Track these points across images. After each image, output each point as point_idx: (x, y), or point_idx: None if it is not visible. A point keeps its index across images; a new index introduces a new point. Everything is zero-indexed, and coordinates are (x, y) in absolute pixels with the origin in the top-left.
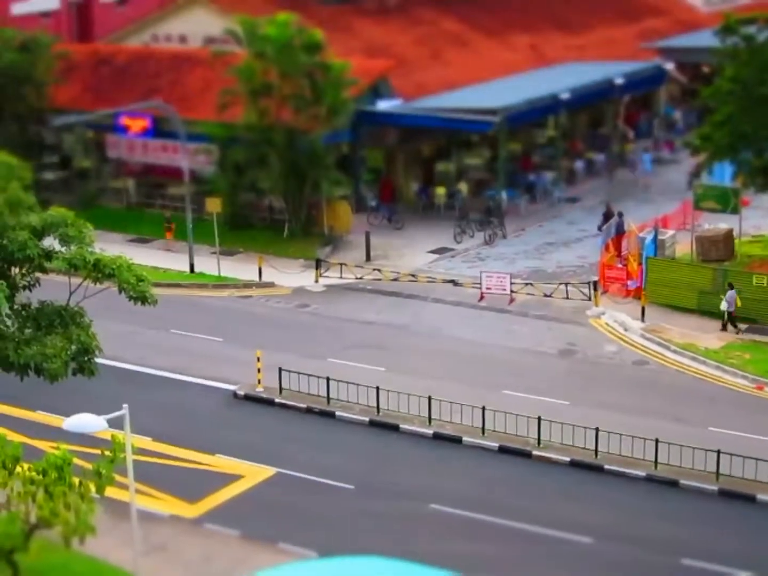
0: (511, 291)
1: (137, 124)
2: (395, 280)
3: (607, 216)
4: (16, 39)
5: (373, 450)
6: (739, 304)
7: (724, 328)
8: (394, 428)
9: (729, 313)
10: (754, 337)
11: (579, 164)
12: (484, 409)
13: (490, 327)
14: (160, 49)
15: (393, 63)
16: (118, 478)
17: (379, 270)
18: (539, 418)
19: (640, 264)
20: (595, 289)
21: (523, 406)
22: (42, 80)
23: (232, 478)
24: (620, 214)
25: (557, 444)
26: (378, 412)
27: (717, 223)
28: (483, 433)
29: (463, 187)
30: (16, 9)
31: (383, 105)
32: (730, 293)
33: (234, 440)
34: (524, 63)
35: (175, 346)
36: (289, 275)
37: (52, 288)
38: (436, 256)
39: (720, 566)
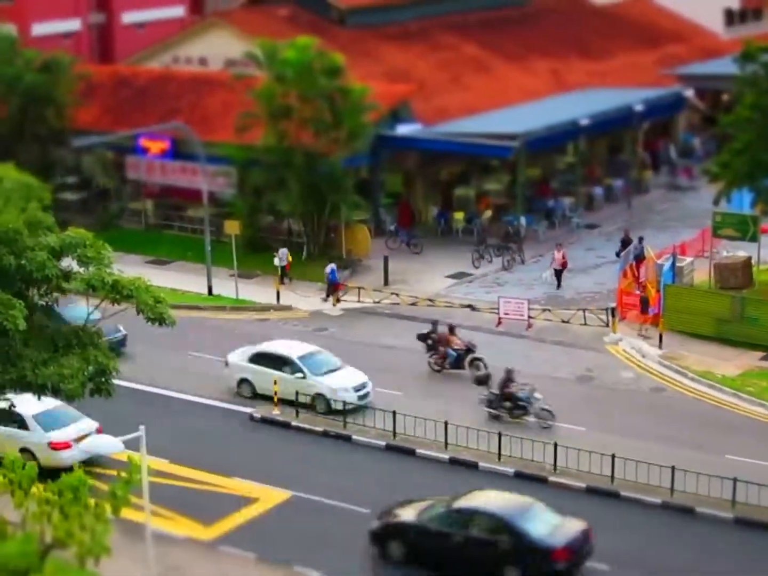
0: (529, 317)
1: (157, 146)
2: (413, 304)
3: (625, 242)
4: (37, 60)
5: (389, 474)
6: (290, 259)
7: (281, 282)
8: (411, 453)
9: (282, 268)
10: None
11: (598, 190)
12: (500, 434)
13: (507, 352)
14: (181, 71)
15: (413, 87)
16: (133, 499)
17: (397, 294)
18: (555, 444)
19: (658, 291)
20: (613, 316)
21: (539, 432)
22: (62, 101)
23: (247, 501)
24: (640, 240)
25: (573, 470)
26: (394, 436)
27: (735, 251)
28: (499, 458)
29: (487, 213)
30: (37, 30)
31: (403, 129)
32: (282, 250)
33: (250, 463)
34: (544, 88)
35: (192, 368)
36: (307, 298)
37: None
38: (454, 280)
39: None
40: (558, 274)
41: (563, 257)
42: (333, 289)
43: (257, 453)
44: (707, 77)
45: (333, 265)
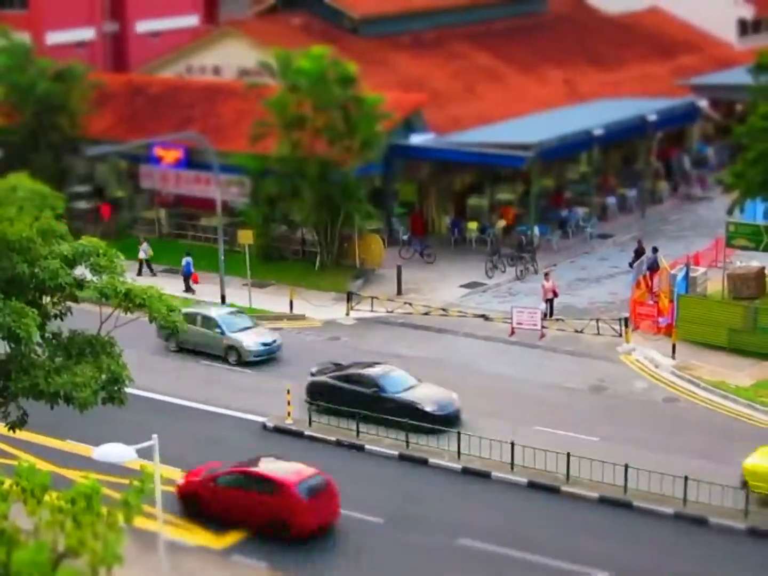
0: (542, 326)
1: (170, 155)
2: (426, 314)
3: (639, 253)
4: (51, 69)
5: (402, 484)
6: (151, 253)
7: (139, 273)
8: (424, 462)
9: (146, 260)
10: None
11: (611, 200)
12: (513, 444)
13: (520, 362)
14: (194, 81)
15: (427, 97)
16: (146, 508)
17: (410, 304)
18: (568, 454)
19: (671, 301)
20: (626, 326)
21: (552, 442)
22: (76, 110)
23: None
24: (654, 250)
25: (586, 480)
26: (407, 446)
27: (749, 261)
28: (512, 468)
29: (500, 223)
30: (52, 39)
31: (416, 139)
32: (145, 243)
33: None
34: (558, 98)
35: (205, 378)
36: (321, 308)
37: (83, 317)
38: (467, 290)
39: None
40: (549, 303)
41: (553, 285)
42: (187, 280)
43: None
44: (721, 87)
45: (189, 258)
